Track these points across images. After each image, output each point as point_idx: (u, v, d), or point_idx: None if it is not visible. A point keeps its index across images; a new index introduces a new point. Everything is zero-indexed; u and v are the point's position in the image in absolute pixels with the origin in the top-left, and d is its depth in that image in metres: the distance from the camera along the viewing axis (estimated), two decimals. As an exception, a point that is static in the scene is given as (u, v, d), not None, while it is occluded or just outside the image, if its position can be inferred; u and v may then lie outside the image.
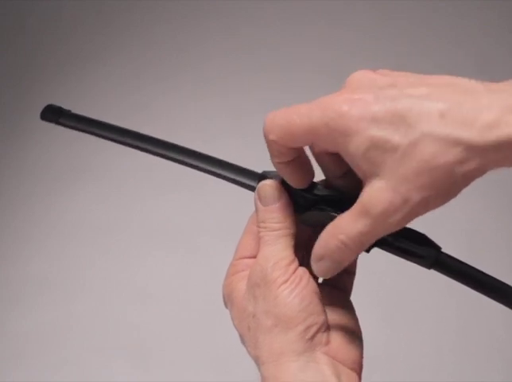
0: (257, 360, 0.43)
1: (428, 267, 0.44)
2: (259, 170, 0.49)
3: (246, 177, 0.49)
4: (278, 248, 0.44)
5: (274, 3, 1.75)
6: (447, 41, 1.68)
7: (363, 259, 0.49)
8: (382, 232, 0.39)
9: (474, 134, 0.34)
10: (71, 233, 1.56)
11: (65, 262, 1.52)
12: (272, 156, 0.42)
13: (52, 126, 0.56)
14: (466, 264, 0.45)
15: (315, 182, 0.45)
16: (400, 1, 1.72)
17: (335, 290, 0.46)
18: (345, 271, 0.48)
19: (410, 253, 0.44)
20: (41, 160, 1.63)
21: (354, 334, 0.45)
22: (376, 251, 0.45)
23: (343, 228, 0.39)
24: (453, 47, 1.67)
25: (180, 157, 0.50)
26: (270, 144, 0.41)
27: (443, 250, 0.44)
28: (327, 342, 0.43)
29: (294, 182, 0.44)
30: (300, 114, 0.39)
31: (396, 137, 0.36)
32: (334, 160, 0.42)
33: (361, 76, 0.39)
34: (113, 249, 1.52)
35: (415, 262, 0.44)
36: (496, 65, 1.65)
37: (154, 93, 1.70)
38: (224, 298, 0.47)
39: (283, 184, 0.45)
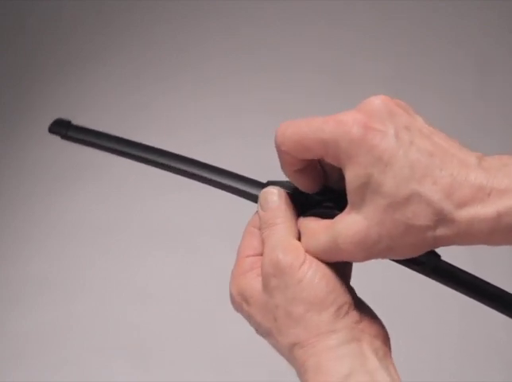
0: (293, 347, 0.42)
1: (428, 273, 0.44)
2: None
3: (250, 187, 0.49)
4: (282, 236, 0.44)
5: (274, 3, 1.75)
6: (447, 41, 1.68)
7: (362, 265, 0.50)
8: (342, 259, 0.41)
9: (451, 207, 0.37)
10: (71, 233, 1.55)
11: (65, 262, 1.52)
12: (283, 165, 0.43)
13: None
14: (465, 272, 0.45)
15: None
16: (400, 1, 1.72)
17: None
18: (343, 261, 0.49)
19: (409, 260, 0.44)
20: (41, 160, 1.63)
21: (373, 311, 0.45)
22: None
23: (312, 237, 0.42)
24: (453, 47, 1.67)
25: (192, 171, 0.50)
26: (282, 155, 0.42)
27: (444, 257, 0.45)
28: (361, 320, 0.43)
29: (305, 187, 0.44)
30: (314, 127, 0.40)
31: (391, 185, 0.38)
32: (333, 166, 0.42)
33: (382, 104, 0.39)
34: (113, 249, 1.52)
35: (414, 269, 0.44)
36: (496, 65, 1.64)
37: (154, 93, 1.70)
38: (235, 299, 0.45)
39: (287, 192, 0.46)
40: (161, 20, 1.79)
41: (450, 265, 0.45)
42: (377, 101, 0.40)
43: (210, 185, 0.50)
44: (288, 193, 0.45)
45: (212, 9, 1.77)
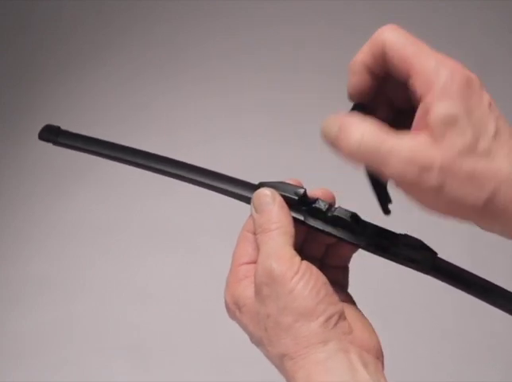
0: (283, 358, 0.42)
1: (426, 271, 0.44)
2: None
3: (243, 189, 0.48)
4: (277, 244, 0.43)
5: (274, 3, 1.75)
6: (447, 41, 1.68)
7: (362, 263, 0.49)
8: (383, 168, 0.39)
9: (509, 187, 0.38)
10: (71, 233, 1.55)
11: (65, 262, 1.52)
12: (363, 52, 0.42)
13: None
14: (463, 269, 0.45)
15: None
16: (400, 2, 1.72)
17: (335, 284, 0.46)
18: (340, 267, 0.48)
19: (406, 258, 0.44)
20: (41, 160, 1.63)
21: (368, 323, 0.45)
22: (372, 256, 0.45)
23: (370, 134, 0.40)
24: (453, 47, 1.66)
25: (181, 173, 0.51)
26: (376, 42, 0.41)
27: (444, 253, 0.44)
28: (351, 331, 0.42)
29: (354, 90, 0.43)
30: (423, 51, 0.42)
31: (473, 135, 0.38)
32: (400, 93, 0.42)
33: (478, 79, 0.41)
34: (113, 249, 1.52)
35: (412, 267, 0.44)
36: (496, 65, 1.64)
37: (154, 93, 1.70)
38: (229, 307, 0.45)
39: (280, 193, 0.45)
40: (161, 20, 1.79)
41: (447, 262, 0.45)
42: (471, 74, 0.41)
43: (201, 187, 0.50)
44: (281, 194, 0.45)
45: (212, 9, 1.77)
